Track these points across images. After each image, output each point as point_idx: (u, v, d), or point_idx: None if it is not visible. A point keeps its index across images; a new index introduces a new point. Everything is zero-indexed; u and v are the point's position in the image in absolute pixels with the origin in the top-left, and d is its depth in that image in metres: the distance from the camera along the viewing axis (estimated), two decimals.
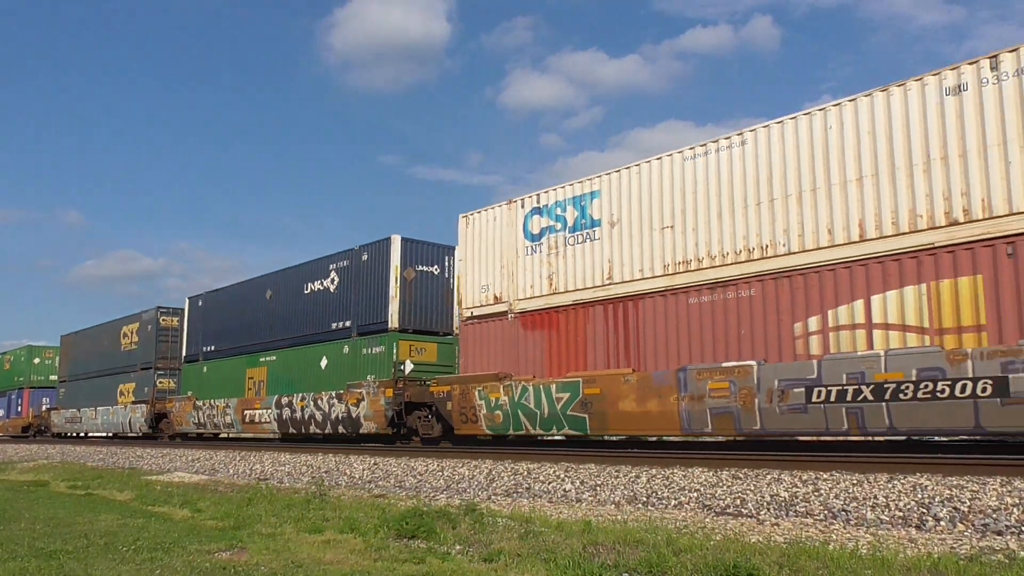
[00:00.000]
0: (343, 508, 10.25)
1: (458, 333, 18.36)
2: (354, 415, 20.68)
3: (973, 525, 7.64)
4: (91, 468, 20.89)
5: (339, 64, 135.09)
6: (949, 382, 10.37)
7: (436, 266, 21.58)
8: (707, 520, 8.71)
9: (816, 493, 9.18)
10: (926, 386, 10.54)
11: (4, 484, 17.02)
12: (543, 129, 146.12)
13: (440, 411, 18.08)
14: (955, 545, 6.83)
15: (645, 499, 10.31)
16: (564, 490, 11.43)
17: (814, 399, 11.60)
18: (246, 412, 25.44)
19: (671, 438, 16.39)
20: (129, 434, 33.45)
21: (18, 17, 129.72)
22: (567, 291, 15.70)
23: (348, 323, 21.90)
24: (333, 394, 21.57)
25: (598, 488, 11.15)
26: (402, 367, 19.90)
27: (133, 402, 32.86)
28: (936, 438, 13.16)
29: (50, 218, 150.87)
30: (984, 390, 10.09)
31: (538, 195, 16.58)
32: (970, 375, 10.22)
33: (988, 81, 10.73)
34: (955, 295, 10.69)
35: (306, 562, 6.99)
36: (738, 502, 9.46)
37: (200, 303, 30.00)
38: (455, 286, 20.43)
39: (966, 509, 7.95)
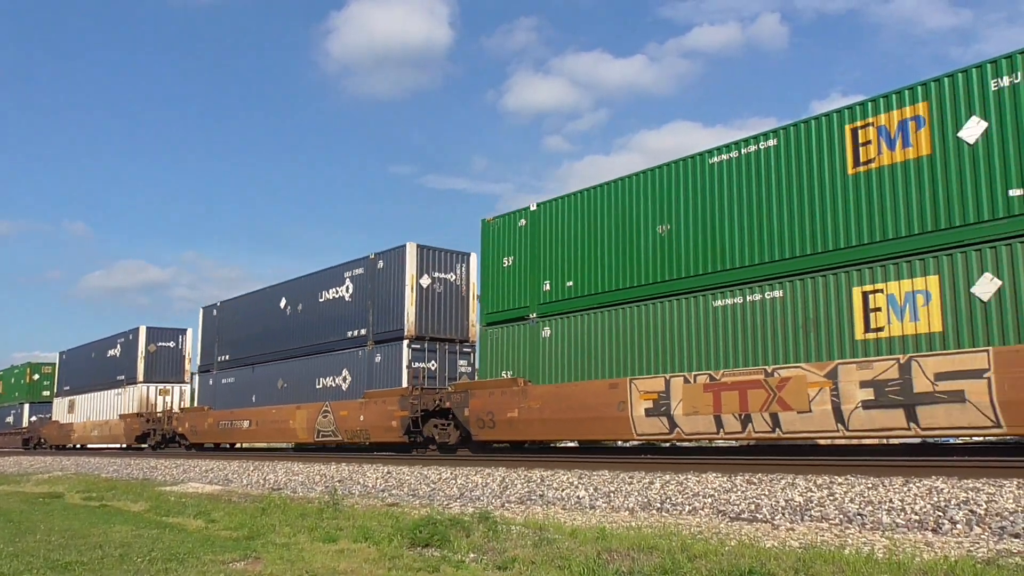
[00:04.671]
0: (357, 517, 10.25)
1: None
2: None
3: (990, 528, 7.58)
4: (105, 479, 20.97)
5: (338, 70, 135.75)
6: None
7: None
8: (722, 525, 8.67)
9: (831, 497, 9.12)
10: None
11: (19, 496, 17.10)
12: (547, 132, 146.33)
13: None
14: (972, 548, 6.77)
15: (659, 505, 10.27)
16: (578, 497, 11.39)
17: None
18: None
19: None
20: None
21: (23, 29, 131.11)
22: None
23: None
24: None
25: (612, 495, 11.11)
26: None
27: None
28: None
29: (56, 229, 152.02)
30: None
31: None
32: None
33: None
34: None
35: (320, 571, 7.00)
36: (753, 507, 9.41)
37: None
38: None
39: (982, 512, 7.88)
